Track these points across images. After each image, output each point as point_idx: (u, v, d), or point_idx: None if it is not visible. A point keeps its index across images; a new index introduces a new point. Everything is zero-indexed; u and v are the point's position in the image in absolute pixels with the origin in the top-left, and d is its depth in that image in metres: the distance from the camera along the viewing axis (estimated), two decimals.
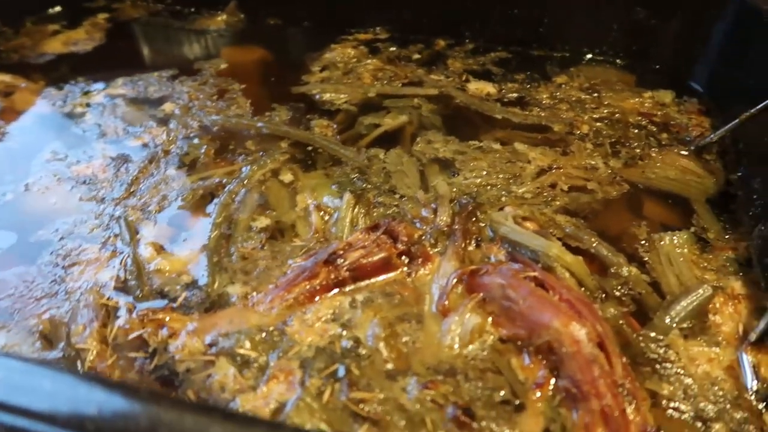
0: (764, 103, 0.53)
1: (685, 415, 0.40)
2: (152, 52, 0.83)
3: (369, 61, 0.77)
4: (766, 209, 0.52)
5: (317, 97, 0.71)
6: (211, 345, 0.45)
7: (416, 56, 0.79)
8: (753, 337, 0.43)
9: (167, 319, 0.47)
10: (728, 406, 0.41)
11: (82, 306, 0.48)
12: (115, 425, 0.26)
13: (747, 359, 0.43)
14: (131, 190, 0.59)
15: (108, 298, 0.48)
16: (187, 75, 0.75)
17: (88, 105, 0.70)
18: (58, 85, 0.74)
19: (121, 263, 0.51)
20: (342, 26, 0.83)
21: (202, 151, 0.63)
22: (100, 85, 0.74)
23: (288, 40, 0.83)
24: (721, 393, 0.42)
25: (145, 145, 0.64)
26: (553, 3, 0.75)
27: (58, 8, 0.88)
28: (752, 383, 0.42)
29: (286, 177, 0.60)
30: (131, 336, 0.46)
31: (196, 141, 0.65)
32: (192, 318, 0.47)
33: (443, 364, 0.44)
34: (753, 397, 0.41)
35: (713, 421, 0.40)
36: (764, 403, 0.41)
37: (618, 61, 0.76)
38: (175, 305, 0.48)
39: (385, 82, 0.74)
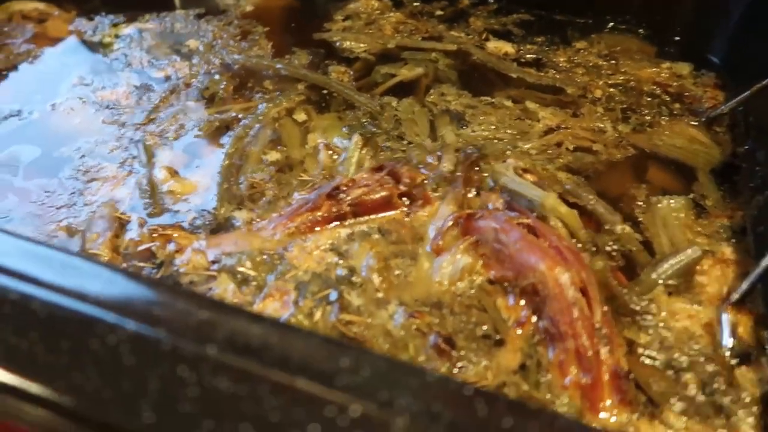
0: None
1: (657, 362, 0.42)
2: None
3: (392, 14, 0.78)
4: (766, 180, 0.53)
5: (337, 44, 0.73)
6: (214, 262, 0.48)
7: (439, 12, 0.79)
8: (735, 297, 0.45)
9: (175, 235, 0.50)
10: (702, 359, 0.42)
11: (97, 217, 0.50)
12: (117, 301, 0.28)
13: (726, 318, 0.45)
14: (151, 117, 0.61)
15: (122, 213, 0.51)
16: (213, 15, 0.77)
17: (116, 36, 0.73)
18: (88, 16, 0.76)
19: (136, 183, 0.54)
20: None
21: (222, 87, 0.65)
22: (129, 19, 0.76)
23: None
24: (696, 347, 0.43)
25: (167, 78, 0.66)
26: None
27: None
28: (728, 341, 0.43)
29: (300, 116, 0.62)
30: (141, 248, 0.49)
31: (216, 77, 0.67)
32: (198, 237, 0.50)
33: (431, 298, 0.46)
34: (728, 354, 0.43)
35: (684, 371, 0.42)
36: (737, 360, 0.42)
37: (640, 31, 0.75)
38: (183, 224, 0.51)
39: (406, 35, 0.75)
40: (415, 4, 0.80)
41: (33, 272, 0.29)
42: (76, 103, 0.63)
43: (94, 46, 0.71)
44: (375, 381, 0.26)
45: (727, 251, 0.50)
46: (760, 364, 0.42)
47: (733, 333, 0.44)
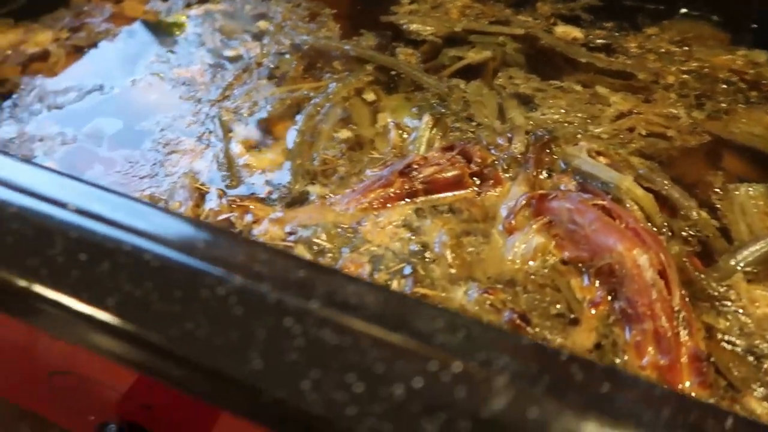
0: None
1: (738, 349, 0.41)
2: None
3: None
4: None
5: (404, 27, 0.73)
6: (290, 233, 0.49)
7: None
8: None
9: (252, 207, 0.51)
10: None
11: (179, 187, 0.52)
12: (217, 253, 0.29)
13: None
14: (226, 94, 0.63)
15: (201, 184, 0.53)
16: None
17: (189, 17, 0.75)
18: None
19: (214, 156, 0.56)
20: None
21: (292, 66, 0.67)
22: (200, 0, 0.78)
23: None
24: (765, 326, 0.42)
25: (239, 57, 0.68)
26: None
27: None
28: None
29: (369, 96, 0.63)
30: (220, 217, 0.50)
31: (287, 56, 0.68)
32: (274, 209, 0.51)
33: (504, 276, 0.46)
34: None
35: (766, 358, 0.41)
36: None
37: (713, 17, 0.73)
38: (259, 196, 0.52)
39: (472, 18, 0.75)
40: None
41: (143, 227, 0.31)
42: (153, 80, 0.65)
43: (168, 26, 0.73)
44: (472, 342, 0.27)
45: None
46: None
47: None
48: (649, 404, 0.25)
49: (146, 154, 0.56)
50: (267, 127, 0.60)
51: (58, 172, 0.35)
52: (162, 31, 0.73)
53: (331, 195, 0.52)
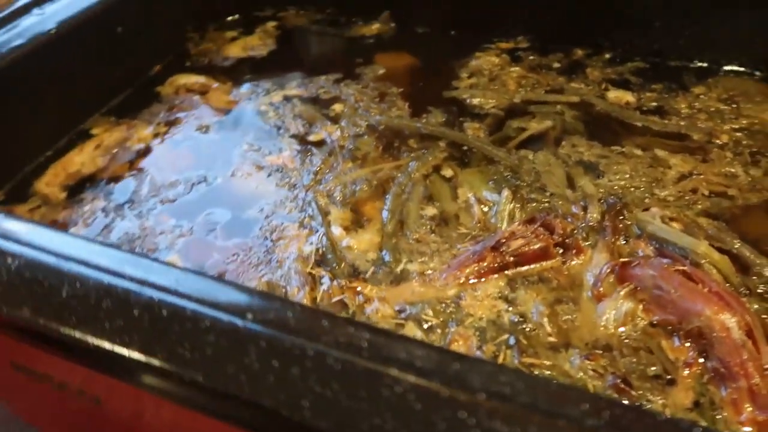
0: None
1: None
2: (316, 56, 0.94)
3: (512, 68, 0.85)
4: None
5: (467, 101, 0.80)
6: (399, 311, 0.55)
7: (556, 65, 0.85)
8: None
9: (359, 288, 0.57)
10: None
11: (293, 273, 0.59)
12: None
13: None
14: (317, 178, 0.70)
15: (312, 267, 0.59)
16: (351, 79, 0.86)
17: (270, 104, 0.82)
18: (243, 86, 0.87)
19: (318, 240, 0.62)
20: (485, 35, 0.91)
21: (372, 147, 0.73)
22: (278, 87, 0.86)
23: (434, 47, 0.92)
24: None
25: (323, 141, 0.75)
26: (693, 15, 0.79)
27: (235, 16, 1.01)
28: None
29: (447, 172, 0.69)
30: (334, 300, 0.56)
31: (365, 138, 0.75)
32: (381, 288, 0.57)
33: (600, 341, 0.51)
34: None
35: None
36: None
37: (757, 73, 0.79)
38: (365, 277, 0.58)
39: (529, 88, 0.81)
40: (531, 58, 0.87)
41: (320, 332, 0.37)
42: (250, 168, 0.72)
43: (253, 115, 0.81)
44: (613, 423, 0.32)
45: None
46: None
47: None
48: None
49: (256, 242, 0.63)
50: (358, 208, 0.66)
51: (229, 283, 0.42)
52: (248, 119, 0.80)
53: (430, 271, 0.58)
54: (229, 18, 1.01)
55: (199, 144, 0.77)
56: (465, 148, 0.72)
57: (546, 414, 0.32)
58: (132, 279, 0.41)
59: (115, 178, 0.73)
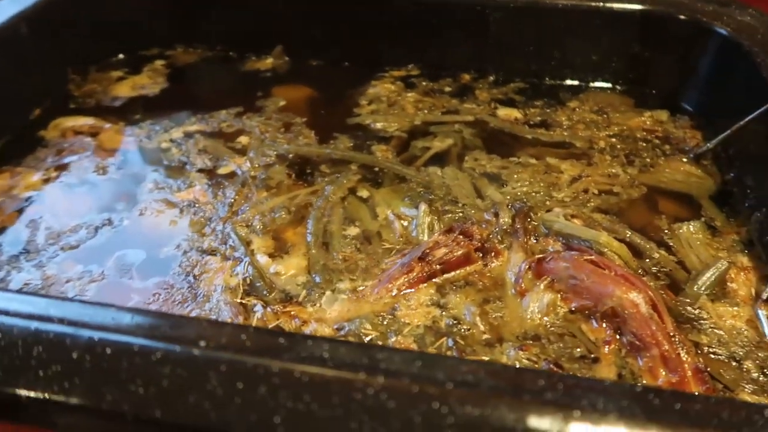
0: (751, 116, 0.67)
1: (722, 357, 0.52)
2: (212, 92, 0.93)
3: (408, 94, 0.89)
4: (758, 200, 0.66)
5: (371, 125, 0.83)
6: (338, 329, 0.55)
7: (447, 89, 0.91)
8: (765, 295, 0.56)
9: (292, 313, 0.57)
10: (753, 348, 0.53)
11: (222, 305, 0.57)
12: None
13: (762, 313, 0.56)
14: (233, 210, 0.69)
15: (242, 297, 0.58)
16: (252, 112, 0.86)
17: (171, 141, 0.80)
18: (138, 125, 0.83)
19: (243, 269, 0.61)
20: (377, 65, 0.95)
21: (285, 175, 0.74)
22: (176, 123, 0.83)
23: (330, 78, 0.94)
24: (746, 339, 0.54)
25: (233, 173, 0.74)
26: (560, 41, 0.89)
27: (119, 56, 0.98)
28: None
29: (363, 193, 0.71)
30: (270, 326, 0.56)
31: (276, 167, 0.75)
32: (317, 309, 0.57)
33: (529, 332, 0.55)
34: None
35: (743, 360, 0.52)
36: None
37: (618, 87, 0.90)
38: (300, 300, 0.58)
39: (426, 111, 0.86)
40: (424, 83, 0.92)
41: (273, 348, 0.36)
42: (160, 206, 0.69)
43: (154, 152, 0.78)
44: (568, 392, 0.35)
45: (744, 260, 0.62)
46: None
47: None
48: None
49: (178, 279, 0.60)
50: (280, 235, 0.66)
51: (172, 315, 0.40)
52: (149, 158, 0.77)
53: (362, 287, 0.59)
54: (113, 58, 0.97)
55: (97, 186, 0.73)
56: (376, 169, 0.75)
57: (511, 393, 0.34)
58: (64, 322, 0.38)
59: (3, 229, 0.67)
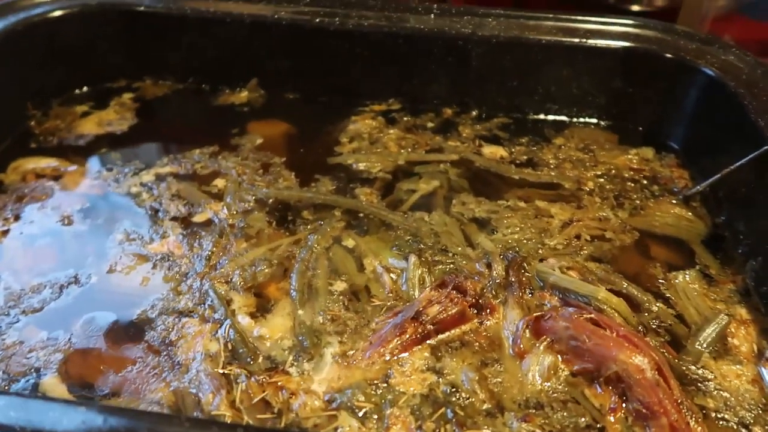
0: (742, 161, 0.66)
1: (731, 423, 0.51)
2: (185, 129, 0.89)
3: (390, 130, 0.86)
4: (753, 247, 0.65)
5: (353, 166, 0.80)
6: (329, 401, 0.52)
7: (430, 124, 0.88)
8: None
9: (279, 383, 0.53)
10: (760, 411, 0.51)
11: (203, 376, 0.53)
12: None
13: (766, 372, 0.54)
14: (211, 263, 0.64)
15: (224, 366, 0.54)
16: (228, 151, 0.81)
17: (142, 185, 0.75)
18: (106, 167, 0.78)
19: (224, 333, 0.57)
20: (356, 99, 0.92)
21: (265, 222, 0.70)
22: (146, 164, 0.78)
23: (308, 113, 0.91)
24: (752, 401, 0.52)
25: (209, 221, 0.70)
26: (544, 75, 0.87)
27: (84, 89, 0.92)
28: None
29: (349, 243, 0.68)
30: (255, 400, 0.52)
31: (255, 213, 0.71)
32: (305, 378, 0.53)
33: (531, 400, 0.52)
34: None
35: (753, 425, 0.50)
36: None
37: (602, 122, 0.88)
38: (285, 367, 0.54)
39: (410, 149, 0.83)
40: (406, 119, 0.89)
41: None
42: (130, 261, 0.65)
43: (123, 198, 0.73)
44: None
45: (743, 312, 0.60)
46: None
47: None
48: None
49: (153, 346, 0.56)
50: (262, 291, 0.62)
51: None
52: (118, 204, 0.72)
53: (352, 351, 0.56)
54: (77, 91, 0.92)
55: (62, 238, 0.68)
56: (361, 214, 0.71)
57: None
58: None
59: None
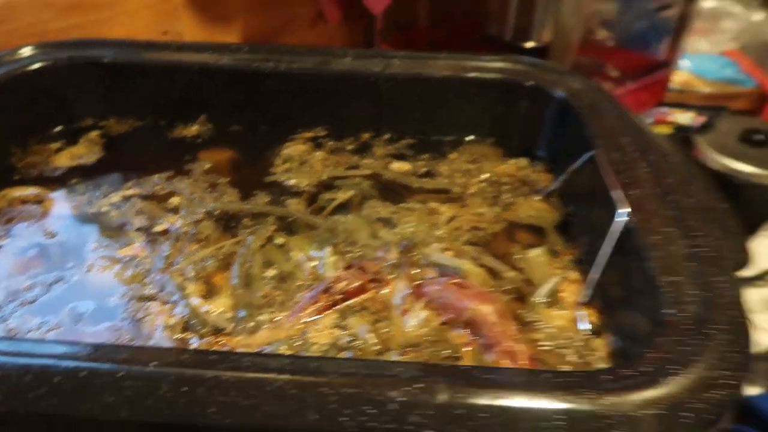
0: (575, 164, 0.87)
1: (551, 348, 0.70)
2: (145, 159, 1.06)
3: (316, 153, 1.06)
4: (585, 229, 0.86)
5: (285, 183, 0.98)
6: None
7: (350, 147, 1.08)
8: (582, 300, 0.75)
9: (225, 341, 0.71)
10: (571, 340, 0.71)
11: (163, 342, 0.70)
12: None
13: (579, 314, 0.74)
14: (169, 261, 0.82)
15: (181, 332, 0.71)
16: (182, 175, 0.99)
17: (111, 205, 0.92)
18: (80, 192, 0.95)
19: (180, 311, 0.74)
20: (290, 128, 1.11)
21: (212, 229, 0.88)
22: (114, 189, 0.96)
23: (249, 142, 1.09)
24: (568, 334, 0.72)
25: (167, 230, 0.88)
26: (440, 104, 1.08)
27: (58, 128, 1.09)
28: (586, 326, 0.73)
29: (279, 241, 0.86)
30: None
31: (205, 222, 0.89)
32: (243, 338, 0.71)
33: (410, 342, 0.71)
34: (587, 334, 0.72)
35: (564, 348, 0.70)
36: (592, 334, 0.72)
37: (489, 140, 1.09)
38: (229, 332, 0.72)
39: (332, 167, 1.02)
40: (330, 143, 1.09)
41: (206, 363, 0.50)
42: (104, 262, 0.81)
43: (96, 216, 0.90)
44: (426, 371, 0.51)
45: (574, 275, 0.81)
46: (605, 335, 0.71)
47: (588, 321, 0.74)
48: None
49: (125, 323, 0.73)
50: (210, 280, 0.80)
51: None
52: (91, 220, 0.89)
53: (279, 317, 0.74)
54: (51, 131, 1.09)
55: (47, 248, 0.84)
56: (290, 220, 0.90)
57: (378, 376, 0.50)
58: (45, 356, 0.51)
59: None
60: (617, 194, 0.74)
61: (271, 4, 1.50)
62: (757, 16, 1.48)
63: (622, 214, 0.72)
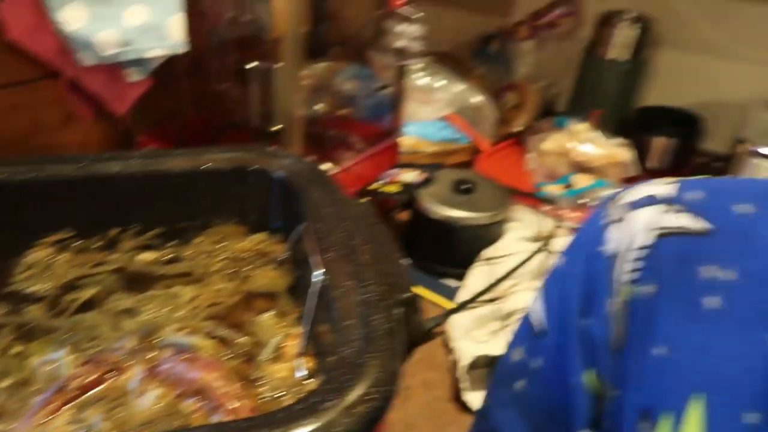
0: (295, 232, 1.03)
1: (270, 397, 0.83)
2: None
3: (61, 256, 1.09)
4: (306, 288, 1.01)
5: (25, 291, 1.01)
6: None
7: (97, 245, 1.13)
8: (300, 350, 0.89)
9: None
10: (291, 387, 0.84)
11: None
12: None
13: (300, 362, 0.88)
14: None
15: None
16: None
17: None
18: None
19: None
20: (33, 235, 1.13)
21: None
22: None
23: None
24: (290, 382, 0.85)
25: None
26: (182, 195, 1.18)
27: None
28: (302, 372, 0.87)
29: (16, 350, 0.88)
30: None
31: None
32: None
33: (145, 419, 0.78)
34: (303, 379, 0.86)
35: (284, 395, 0.83)
36: (309, 378, 0.86)
37: (232, 221, 1.22)
38: None
39: (78, 267, 1.07)
40: (76, 244, 1.13)
41: None
42: None
43: None
44: None
45: (297, 330, 0.95)
46: (318, 377, 0.86)
47: (305, 368, 0.88)
48: None
49: None
50: None
51: None
52: None
53: (13, 426, 0.77)
54: None
55: None
56: (28, 327, 0.93)
57: None
58: None
59: None
60: (315, 259, 0.91)
61: (19, 107, 1.50)
62: (458, 87, 1.82)
63: (318, 274, 0.88)
